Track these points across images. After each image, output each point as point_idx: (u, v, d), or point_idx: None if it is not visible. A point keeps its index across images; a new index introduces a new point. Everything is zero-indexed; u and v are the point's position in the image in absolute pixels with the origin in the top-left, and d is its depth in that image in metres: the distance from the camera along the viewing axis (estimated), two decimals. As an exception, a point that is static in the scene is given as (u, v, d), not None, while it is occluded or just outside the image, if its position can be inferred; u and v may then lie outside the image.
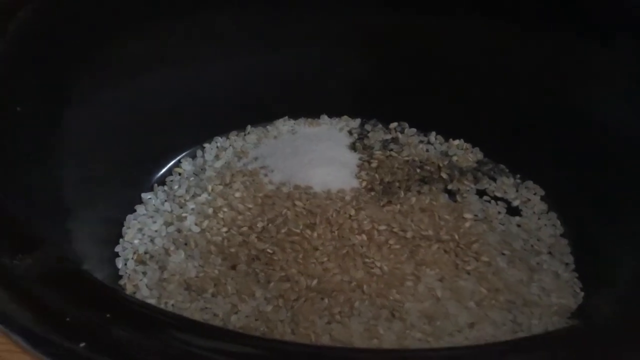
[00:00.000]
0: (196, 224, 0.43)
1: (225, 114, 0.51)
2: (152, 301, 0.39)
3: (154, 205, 0.46)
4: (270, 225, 0.43)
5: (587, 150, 0.44)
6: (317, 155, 0.48)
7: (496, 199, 0.47)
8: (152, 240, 0.43)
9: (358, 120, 0.53)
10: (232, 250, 0.41)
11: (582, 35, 0.43)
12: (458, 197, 0.47)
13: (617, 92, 0.42)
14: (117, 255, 0.42)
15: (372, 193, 0.46)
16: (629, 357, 0.23)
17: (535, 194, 0.47)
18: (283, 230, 0.42)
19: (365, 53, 0.51)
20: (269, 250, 0.41)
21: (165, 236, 0.43)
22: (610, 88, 0.43)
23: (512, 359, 0.24)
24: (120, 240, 0.43)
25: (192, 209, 0.45)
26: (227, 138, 0.52)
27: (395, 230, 0.42)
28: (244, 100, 0.51)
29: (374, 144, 0.51)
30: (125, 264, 0.42)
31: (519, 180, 0.48)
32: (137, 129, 0.46)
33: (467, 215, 0.44)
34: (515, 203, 0.47)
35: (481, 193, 0.47)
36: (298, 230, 0.42)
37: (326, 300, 0.38)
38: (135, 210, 0.45)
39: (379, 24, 0.49)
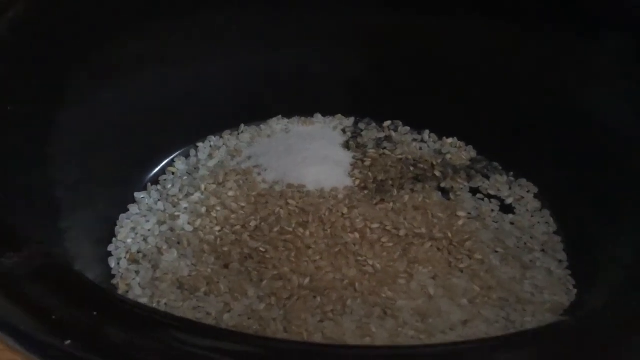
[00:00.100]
0: (189, 223, 0.43)
1: (219, 113, 0.51)
2: (144, 300, 0.39)
3: (147, 204, 0.46)
4: (263, 224, 0.43)
5: (581, 148, 0.44)
6: (311, 154, 0.48)
7: (489, 196, 0.47)
8: (145, 240, 0.43)
9: (352, 119, 0.53)
10: (225, 249, 0.41)
11: (575, 31, 0.43)
12: (451, 195, 0.47)
13: (612, 90, 0.42)
14: (110, 254, 0.42)
15: (366, 191, 0.46)
16: (618, 352, 0.23)
17: (528, 191, 0.47)
18: (276, 229, 0.42)
19: (360, 52, 0.51)
20: (261, 249, 0.41)
21: (158, 235, 0.43)
22: (604, 86, 0.43)
23: (503, 354, 0.24)
24: (113, 239, 0.43)
25: (185, 208, 0.45)
26: (221, 137, 0.51)
27: (388, 228, 0.42)
28: (238, 99, 0.51)
29: (368, 143, 0.51)
30: (118, 263, 0.42)
31: (512, 178, 0.48)
32: (130, 129, 0.46)
33: (461, 213, 0.44)
34: (509, 201, 0.47)
35: (475, 191, 0.47)
36: (291, 229, 0.41)
37: (319, 299, 0.38)
38: (128, 210, 0.45)
39: (373, 23, 0.49)
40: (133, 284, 0.40)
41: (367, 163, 0.48)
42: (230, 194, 0.45)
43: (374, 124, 0.53)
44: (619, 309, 0.26)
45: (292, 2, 0.48)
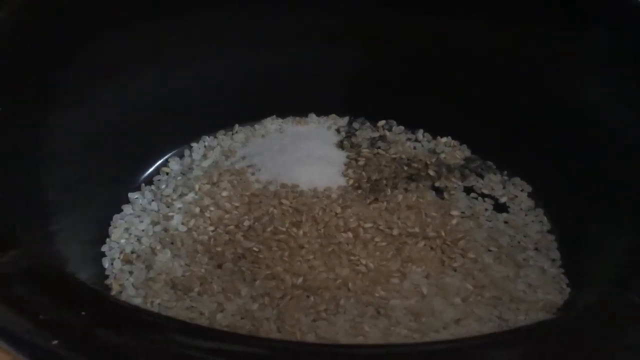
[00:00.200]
0: (183, 223, 0.43)
1: (213, 113, 0.51)
2: (138, 300, 0.39)
3: (141, 204, 0.46)
4: (256, 223, 0.43)
5: (575, 147, 0.44)
6: (305, 153, 0.48)
7: (483, 195, 0.47)
8: (138, 240, 0.43)
9: (346, 119, 0.53)
10: (219, 249, 0.41)
11: (571, 30, 0.44)
12: (445, 195, 0.47)
13: (605, 88, 0.42)
14: (103, 254, 0.42)
15: (359, 191, 0.46)
16: (608, 349, 0.23)
17: (522, 190, 0.47)
18: (269, 229, 0.42)
19: (354, 52, 0.51)
20: (255, 249, 0.41)
21: (152, 235, 0.43)
22: (598, 84, 0.43)
23: (495, 351, 0.24)
24: (107, 240, 0.43)
25: (179, 208, 0.45)
26: (215, 137, 0.51)
27: (381, 227, 0.42)
28: (232, 100, 0.51)
29: (362, 142, 0.51)
30: (112, 264, 0.42)
31: (506, 177, 0.48)
32: (124, 129, 0.46)
33: (454, 212, 0.44)
34: (503, 200, 0.47)
35: (468, 190, 0.47)
36: (284, 229, 0.41)
37: (312, 298, 0.38)
38: (122, 210, 0.45)
39: (368, 23, 0.49)
40: (126, 285, 0.40)
41: (361, 162, 0.48)
42: (224, 194, 0.45)
43: (368, 124, 0.53)
44: (610, 307, 0.26)
45: (286, 2, 0.48)
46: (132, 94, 0.46)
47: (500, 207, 0.46)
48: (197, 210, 0.44)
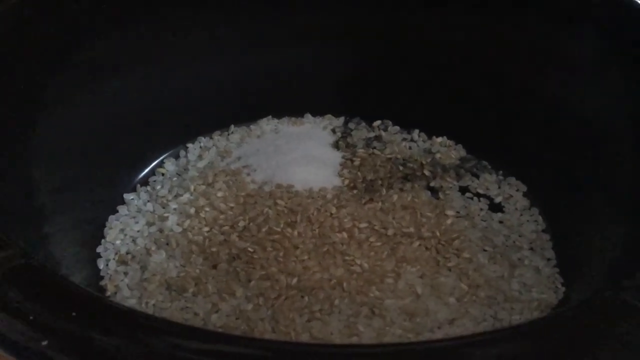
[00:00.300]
0: (178, 224, 0.43)
1: (209, 113, 0.51)
2: (132, 301, 0.39)
3: (136, 205, 0.46)
4: (251, 224, 0.43)
5: (570, 147, 0.44)
6: (300, 154, 0.48)
7: (479, 195, 0.47)
8: (133, 241, 0.43)
9: (342, 119, 0.53)
10: (213, 249, 0.41)
11: (564, 31, 0.44)
12: (440, 194, 0.47)
13: (600, 89, 0.42)
14: (98, 255, 0.42)
15: (354, 191, 0.46)
16: (598, 346, 0.23)
17: (517, 190, 0.47)
18: (264, 229, 0.42)
19: (350, 52, 0.51)
20: (249, 249, 0.41)
21: (147, 236, 0.43)
22: (593, 84, 0.43)
23: (487, 349, 0.24)
24: (102, 240, 0.43)
25: (174, 209, 0.45)
26: (211, 138, 0.52)
27: (376, 227, 0.42)
28: (228, 100, 0.51)
29: (357, 142, 0.51)
30: (107, 265, 0.42)
31: (501, 177, 0.48)
32: (119, 130, 0.46)
33: (449, 212, 0.44)
34: (498, 199, 0.47)
35: (464, 190, 0.48)
36: (279, 229, 0.42)
37: (306, 298, 0.38)
38: (117, 211, 0.45)
39: (363, 24, 0.49)
40: (121, 285, 0.40)
41: (357, 163, 0.48)
42: (219, 194, 0.45)
43: (363, 124, 0.53)
44: (601, 305, 0.26)
45: (282, 3, 0.48)
46: (128, 94, 0.46)
47: (495, 207, 0.46)
48: (192, 210, 0.44)
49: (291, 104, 0.53)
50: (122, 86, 0.46)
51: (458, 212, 0.45)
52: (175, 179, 0.48)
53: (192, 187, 0.46)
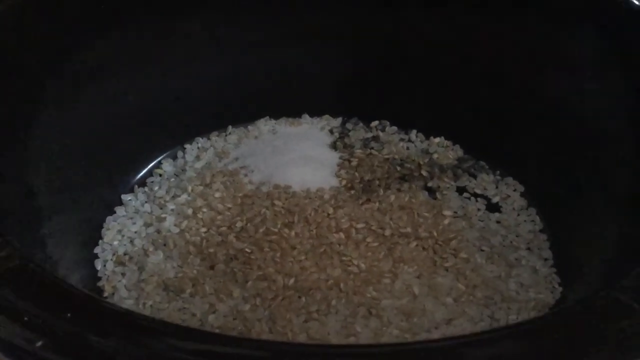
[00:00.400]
0: (175, 225, 0.43)
1: (207, 114, 0.51)
2: (130, 302, 0.39)
3: (134, 206, 0.46)
4: (249, 224, 0.43)
5: (567, 147, 0.44)
6: (297, 154, 0.48)
7: (476, 195, 0.47)
8: (131, 242, 0.43)
9: (339, 119, 0.53)
10: (211, 250, 0.41)
11: (560, 31, 0.44)
12: (438, 195, 0.47)
13: (596, 88, 0.42)
14: (96, 256, 0.42)
15: (352, 191, 0.46)
16: (592, 346, 0.23)
17: (515, 190, 0.47)
18: (261, 230, 0.42)
19: (347, 52, 0.51)
20: (247, 250, 0.41)
21: (145, 237, 0.43)
22: (591, 85, 0.43)
23: (483, 349, 0.24)
24: (100, 241, 0.43)
25: (172, 210, 0.45)
26: (208, 139, 0.52)
27: (373, 228, 0.42)
28: (225, 101, 0.52)
29: (355, 143, 0.51)
30: (105, 266, 0.42)
31: (499, 177, 0.48)
32: (117, 131, 0.46)
33: (446, 212, 0.45)
34: (495, 199, 0.47)
35: (461, 190, 0.48)
36: (276, 230, 0.42)
37: (303, 299, 0.38)
38: (115, 212, 0.45)
39: (361, 25, 0.49)
40: (119, 286, 0.40)
41: (354, 163, 0.48)
42: (217, 195, 0.45)
43: (361, 124, 0.53)
44: (596, 305, 0.26)
45: (279, 5, 0.48)
46: (125, 95, 0.46)
47: (492, 207, 0.46)
48: (190, 211, 0.44)
49: (289, 105, 0.53)
50: (120, 87, 0.46)
51: (455, 212, 0.45)
52: (172, 179, 0.48)
53: (189, 188, 0.46)
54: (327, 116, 0.54)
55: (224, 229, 0.43)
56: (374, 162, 0.49)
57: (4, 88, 0.36)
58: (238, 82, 0.51)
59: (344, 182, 0.47)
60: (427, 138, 0.52)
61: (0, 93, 0.35)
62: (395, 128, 0.52)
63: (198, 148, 0.51)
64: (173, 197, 0.46)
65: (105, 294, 0.40)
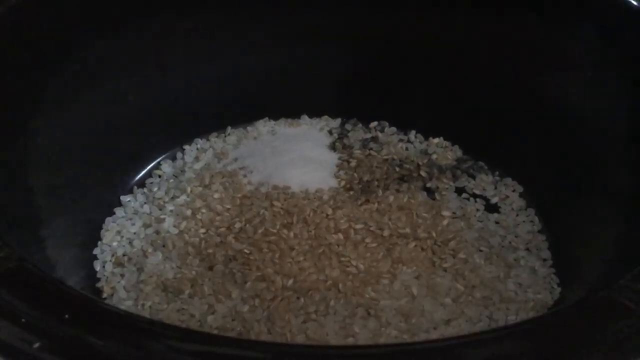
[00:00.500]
0: (174, 226, 0.43)
1: (206, 115, 0.51)
2: (129, 303, 0.39)
3: (133, 207, 0.46)
4: (247, 225, 0.43)
5: (566, 148, 0.44)
6: (296, 155, 0.48)
7: (475, 196, 0.47)
8: (130, 243, 0.43)
9: (338, 120, 0.54)
10: (210, 251, 0.41)
11: (559, 31, 0.44)
12: (437, 195, 0.47)
13: (594, 88, 0.42)
14: (95, 257, 0.42)
15: (351, 192, 0.46)
16: (592, 347, 0.23)
17: (514, 190, 0.47)
18: (260, 231, 0.42)
19: (346, 53, 0.51)
20: (245, 251, 0.41)
21: (144, 238, 0.43)
22: (587, 84, 0.43)
23: (482, 350, 0.24)
24: (99, 242, 0.43)
25: (171, 211, 0.45)
26: (207, 140, 0.52)
27: (372, 228, 0.42)
28: (225, 102, 0.52)
29: (354, 144, 0.51)
30: (103, 267, 0.42)
31: (497, 178, 0.48)
32: (116, 132, 0.46)
33: (445, 213, 0.45)
34: (494, 200, 0.47)
35: (460, 190, 0.48)
36: (275, 230, 0.42)
37: (302, 300, 0.38)
38: (114, 213, 0.45)
39: (360, 25, 0.49)
40: (118, 287, 0.40)
41: (353, 164, 0.48)
42: (216, 196, 0.45)
43: (360, 125, 0.53)
44: (593, 305, 0.26)
45: (277, 5, 0.48)
46: (125, 96, 0.46)
47: (491, 208, 0.46)
48: (189, 212, 0.44)
49: (288, 106, 0.53)
50: (119, 87, 0.46)
51: (454, 213, 0.45)
52: (171, 180, 0.48)
53: (188, 189, 0.46)
54: (326, 117, 0.54)
55: (222, 229, 0.43)
56: (373, 163, 0.49)
57: (4, 88, 0.36)
58: (237, 82, 0.51)
59: (342, 183, 0.47)
60: (426, 139, 0.52)
61: (0, 93, 0.35)
62: (394, 129, 0.52)
63: (197, 149, 0.51)
64: (172, 198, 0.46)
65: (104, 295, 0.40)
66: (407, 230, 0.43)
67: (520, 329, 0.25)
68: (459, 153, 0.51)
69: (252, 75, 0.51)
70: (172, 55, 0.47)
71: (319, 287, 0.39)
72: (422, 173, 0.48)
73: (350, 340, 0.36)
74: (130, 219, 0.45)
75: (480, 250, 0.42)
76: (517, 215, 0.46)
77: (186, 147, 0.51)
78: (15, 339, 0.20)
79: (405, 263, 0.41)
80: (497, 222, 0.45)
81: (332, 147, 0.51)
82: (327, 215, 0.43)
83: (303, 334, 0.37)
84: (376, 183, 0.47)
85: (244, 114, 0.53)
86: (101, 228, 0.44)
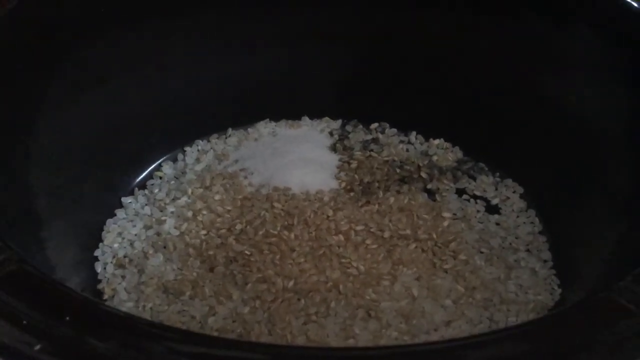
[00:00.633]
0: (175, 227, 0.44)
1: (207, 117, 0.51)
2: (130, 304, 0.39)
3: (134, 209, 0.46)
4: (248, 227, 0.43)
5: (566, 149, 0.44)
6: (297, 156, 0.48)
7: (475, 197, 0.47)
8: (131, 244, 0.43)
9: (339, 121, 0.54)
10: (210, 252, 0.41)
11: (560, 32, 0.44)
12: (437, 197, 0.47)
13: (596, 90, 0.42)
14: (96, 259, 0.42)
15: (351, 194, 0.46)
16: (593, 348, 0.23)
17: (514, 192, 0.47)
18: (261, 232, 0.42)
19: (347, 54, 0.51)
20: (246, 252, 0.41)
21: (145, 240, 0.43)
22: (589, 85, 0.43)
23: (482, 351, 0.24)
24: (100, 244, 0.43)
25: (172, 212, 0.45)
26: (208, 141, 0.52)
27: (372, 230, 0.42)
28: (225, 103, 0.51)
29: (354, 145, 0.51)
30: (105, 268, 0.42)
31: (498, 179, 0.48)
32: (117, 133, 0.46)
33: (446, 214, 0.45)
34: (495, 201, 0.47)
35: (460, 192, 0.48)
36: (275, 232, 0.42)
37: (302, 301, 0.38)
38: (115, 215, 0.45)
39: (360, 26, 0.49)
40: (119, 289, 0.40)
41: (353, 165, 0.48)
42: (217, 197, 0.45)
43: (361, 126, 0.53)
44: (592, 306, 0.26)
45: (273, 3, 0.48)
46: (125, 98, 0.46)
47: (492, 209, 0.46)
48: (190, 214, 0.44)
49: (289, 107, 0.53)
50: (119, 89, 0.46)
51: (455, 214, 0.45)
52: (172, 182, 0.48)
53: (189, 191, 0.46)
54: (326, 118, 0.54)
55: (223, 231, 0.43)
56: (373, 164, 0.49)
57: (4, 88, 0.36)
58: (238, 83, 0.51)
59: (343, 184, 0.47)
60: (427, 140, 0.52)
61: (0, 93, 0.35)
62: (394, 130, 0.52)
63: (198, 150, 0.51)
64: (173, 199, 0.46)
65: (105, 297, 0.40)
66: (408, 231, 0.43)
67: (520, 330, 0.25)
68: (460, 154, 0.51)
69: (253, 76, 0.51)
70: (172, 55, 0.47)
71: (319, 288, 0.39)
72: (423, 174, 0.48)
73: (350, 342, 0.36)
74: (131, 221, 0.45)
75: (481, 252, 0.42)
76: (518, 216, 0.46)
77: (187, 148, 0.51)
78: (16, 341, 0.20)
79: (405, 264, 0.41)
80: (497, 224, 0.45)
81: (333, 148, 0.51)
82: (328, 216, 0.43)
83: (304, 336, 0.37)
84: (377, 184, 0.47)
85: (244, 115, 0.53)
86: (102, 229, 0.44)
